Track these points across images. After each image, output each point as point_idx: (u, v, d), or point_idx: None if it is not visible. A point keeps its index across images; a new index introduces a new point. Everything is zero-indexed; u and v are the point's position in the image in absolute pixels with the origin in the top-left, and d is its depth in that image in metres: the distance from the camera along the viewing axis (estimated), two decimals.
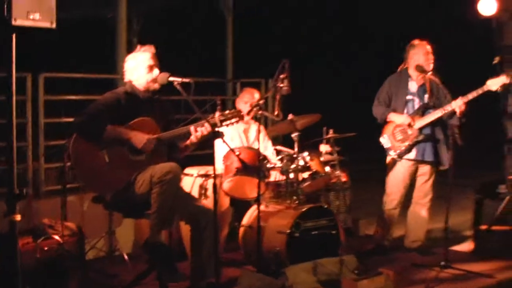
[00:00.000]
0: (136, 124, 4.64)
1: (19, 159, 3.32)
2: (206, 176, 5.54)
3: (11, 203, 3.26)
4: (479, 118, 7.02)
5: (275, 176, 5.71)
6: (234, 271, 5.23)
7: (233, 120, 4.67)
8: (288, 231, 5.04)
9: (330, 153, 6.25)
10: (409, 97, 6.05)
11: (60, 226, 5.00)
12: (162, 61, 4.82)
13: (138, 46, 4.88)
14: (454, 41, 12.96)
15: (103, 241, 5.84)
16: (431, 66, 5.99)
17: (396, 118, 6.03)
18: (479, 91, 5.69)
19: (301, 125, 5.72)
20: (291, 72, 5.05)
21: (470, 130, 5.92)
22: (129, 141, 4.55)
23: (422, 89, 6.03)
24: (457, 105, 5.74)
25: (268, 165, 5.50)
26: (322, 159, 6.00)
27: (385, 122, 6.11)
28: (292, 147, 5.70)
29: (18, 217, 3.27)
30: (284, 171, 5.50)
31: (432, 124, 5.95)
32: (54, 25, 3.37)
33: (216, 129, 4.56)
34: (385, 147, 6.09)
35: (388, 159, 6.10)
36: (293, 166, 5.49)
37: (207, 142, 4.65)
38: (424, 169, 6.09)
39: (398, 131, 6.01)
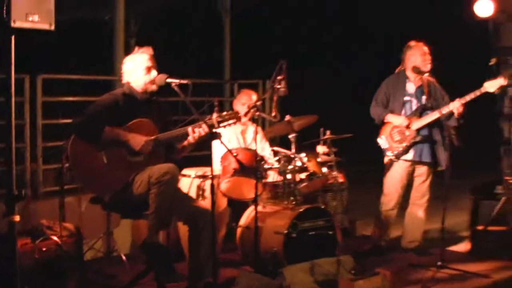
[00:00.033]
0: (134, 125, 4.65)
1: (17, 160, 3.32)
2: (204, 177, 5.55)
3: (10, 204, 3.27)
4: (477, 119, 7.04)
5: (272, 177, 5.73)
6: (231, 271, 5.24)
7: (231, 121, 4.68)
8: (286, 231, 5.06)
9: (327, 154, 6.27)
10: (406, 98, 6.07)
11: (58, 227, 5.01)
12: (159, 62, 4.84)
13: (136, 48, 4.89)
14: (453, 41, 12.97)
15: (101, 241, 5.85)
16: (428, 67, 6.01)
17: (394, 119, 6.04)
18: (477, 92, 5.71)
19: (298, 126, 5.74)
20: (290, 73, 5.06)
21: (468, 131, 5.94)
22: (127, 143, 4.57)
23: (419, 90, 6.05)
24: (455, 106, 5.76)
25: (265, 166, 5.52)
26: (319, 160, 6.02)
27: (382, 123, 6.14)
28: (289, 148, 5.72)
29: (17, 218, 3.28)
30: (281, 172, 5.52)
31: (430, 125, 5.97)
32: (53, 27, 3.38)
33: (214, 130, 4.58)
34: (382, 148, 6.11)
35: (386, 160, 6.12)
36: (290, 167, 5.51)
37: (205, 143, 4.66)
38: (421, 170, 6.11)
39: (396, 132, 6.03)
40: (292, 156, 5.55)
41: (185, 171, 5.67)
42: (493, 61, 5.73)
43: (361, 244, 6.29)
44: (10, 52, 3.28)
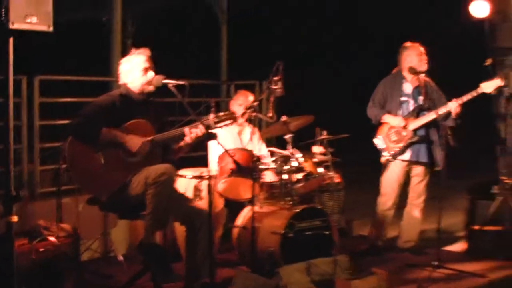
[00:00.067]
0: (131, 126, 4.66)
1: (14, 161, 3.34)
2: (201, 177, 5.56)
3: (8, 205, 3.29)
4: (474, 120, 7.05)
5: (269, 177, 5.75)
6: (228, 271, 5.24)
7: (227, 122, 4.68)
8: (282, 231, 5.07)
9: (324, 154, 6.29)
10: (403, 98, 6.08)
11: (56, 227, 5.02)
12: (157, 63, 4.85)
13: (133, 49, 4.90)
14: (453, 42, 12.99)
15: (98, 242, 5.86)
16: (425, 67, 6.02)
17: (391, 120, 6.06)
18: (474, 93, 5.73)
19: (294, 127, 5.76)
20: (290, 73, 5.08)
21: (465, 131, 5.96)
22: (124, 144, 4.58)
23: (416, 91, 6.06)
24: (452, 107, 5.78)
25: (262, 166, 5.53)
26: (315, 160, 6.03)
27: (379, 124, 6.15)
28: (285, 149, 5.73)
29: (15, 219, 3.29)
30: (278, 172, 5.54)
31: (427, 125, 5.98)
32: (51, 29, 3.40)
33: (210, 130, 4.59)
34: (379, 148, 6.12)
35: (383, 160, 6.13)
36: (286, 167, 5.52)
37: (201, 143, 4.67)
38: (418, 170, 6.12)
39: (393, 133, 6.04)
40: (290, 154, 5.55)
41: (182, 172, 5.67)
42: (488, 62, 5.74)
43: (357, 244, 6.31)
44: (9, 53, 3.29)
